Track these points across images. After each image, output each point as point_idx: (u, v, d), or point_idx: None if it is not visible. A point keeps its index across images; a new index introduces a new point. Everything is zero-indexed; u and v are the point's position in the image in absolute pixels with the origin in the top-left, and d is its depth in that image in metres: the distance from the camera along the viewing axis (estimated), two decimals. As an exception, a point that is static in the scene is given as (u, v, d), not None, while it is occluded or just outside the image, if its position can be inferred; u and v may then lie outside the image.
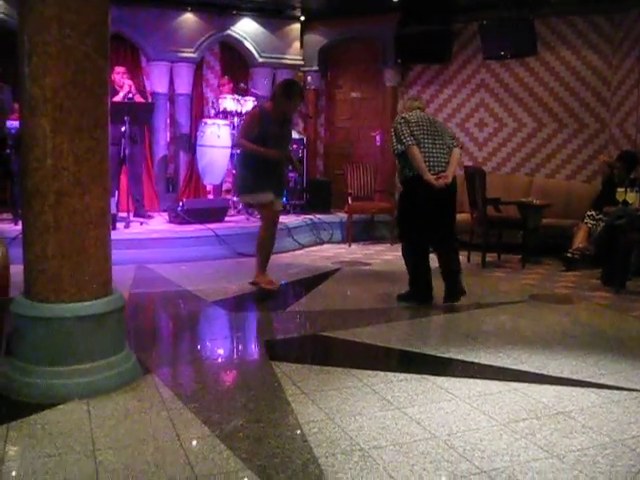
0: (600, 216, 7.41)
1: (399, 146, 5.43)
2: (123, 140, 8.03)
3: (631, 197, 6.71)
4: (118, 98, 8.33)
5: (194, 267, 7.14)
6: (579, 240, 7.59)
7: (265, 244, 5.92)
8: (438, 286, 5.65)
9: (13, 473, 2.60)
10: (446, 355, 4.24)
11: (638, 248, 6.48)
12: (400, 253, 5.84)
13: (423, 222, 5.46)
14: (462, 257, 8.10)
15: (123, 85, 8.51)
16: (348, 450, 2.82)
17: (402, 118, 5.54)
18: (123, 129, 7.95)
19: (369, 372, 3.83)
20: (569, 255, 7.54)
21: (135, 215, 8.65)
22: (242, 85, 9.86)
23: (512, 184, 9.35)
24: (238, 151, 6.14)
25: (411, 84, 10.46)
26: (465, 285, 5.72)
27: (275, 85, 6.01)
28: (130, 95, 8.47)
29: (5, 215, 8.00)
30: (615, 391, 3.61)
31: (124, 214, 8.30)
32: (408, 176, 5.47)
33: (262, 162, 5.69)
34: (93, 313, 3.42)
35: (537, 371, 3.94)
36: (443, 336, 4.93)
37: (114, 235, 3.81)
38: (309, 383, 3.62)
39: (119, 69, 8.73)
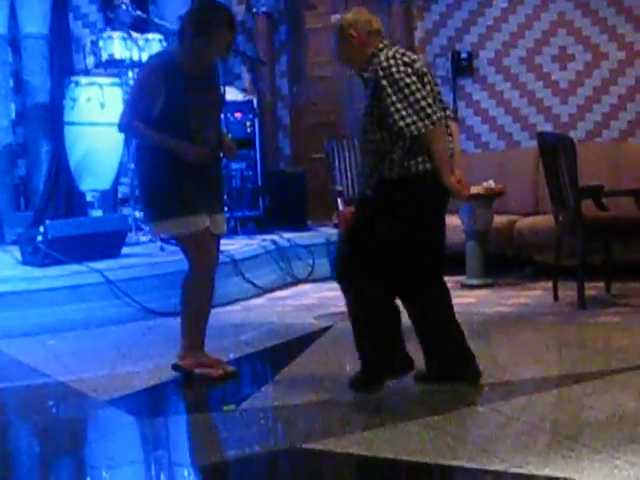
0: None
1: (422, 122, 3.26)
2: None
3: None
4: None
5: (71, 341, 5.23)
6: None
7: (198, 303, 4.20)
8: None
9: None
10: (524, 471, 2.87)
11: None
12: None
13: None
14: (543, 291, 6.19)
15: None
16: None
17: (404, 63, 3.38)
18: None
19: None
20: None
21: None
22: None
23: (623, 159, 6.77)
24: (133, 142, 4.67)
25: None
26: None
27: (184, 15, 4.37)
28: None
29: None
30: None
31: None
32: (421, 172, 3.40)
33: (180, 161, 3.93)
34: None
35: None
36: (516, 438, 3.37)
37: None
38: None
39: None
